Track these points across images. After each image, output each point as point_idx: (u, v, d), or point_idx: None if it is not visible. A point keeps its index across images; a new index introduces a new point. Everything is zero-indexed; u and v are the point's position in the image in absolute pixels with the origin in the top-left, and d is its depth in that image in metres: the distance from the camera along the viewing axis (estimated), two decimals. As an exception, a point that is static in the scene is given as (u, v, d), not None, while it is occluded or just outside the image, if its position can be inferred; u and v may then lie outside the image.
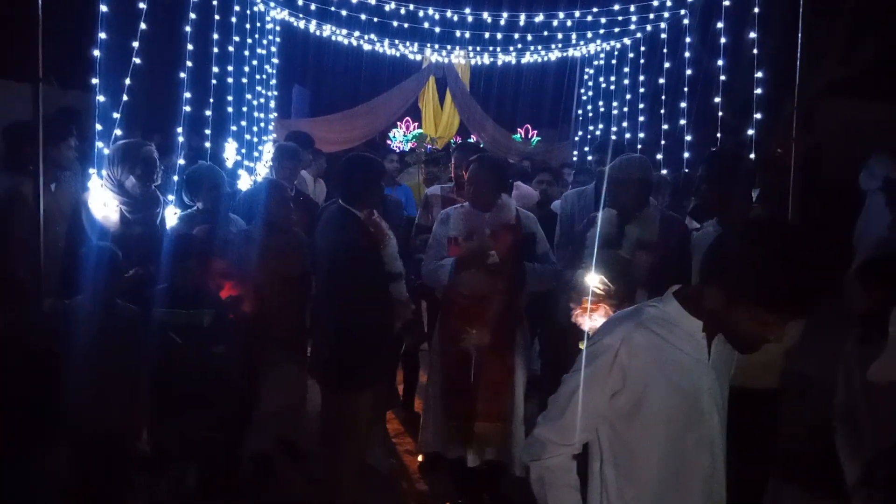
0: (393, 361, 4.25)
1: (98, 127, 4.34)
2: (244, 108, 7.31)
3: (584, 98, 9.33)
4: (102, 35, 4.23)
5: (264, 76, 8.09)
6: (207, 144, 6.31)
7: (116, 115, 4.37)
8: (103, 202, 4.15)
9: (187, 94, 5.56)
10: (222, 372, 3.84)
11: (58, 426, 3.26)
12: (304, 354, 4.57)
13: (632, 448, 1.94)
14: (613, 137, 7.84)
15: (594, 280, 3.60)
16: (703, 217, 4.58)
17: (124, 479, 3.68)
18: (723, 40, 5.62)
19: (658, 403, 1.89)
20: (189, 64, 5.56)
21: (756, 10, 5.06)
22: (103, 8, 4.22)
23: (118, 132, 4.43)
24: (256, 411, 4.41)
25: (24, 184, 4.04)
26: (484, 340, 4.16)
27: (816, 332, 3.19)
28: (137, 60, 4.44)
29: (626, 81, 7.88)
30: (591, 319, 3.63)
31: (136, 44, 4.46)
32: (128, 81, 4.39)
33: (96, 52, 4.26)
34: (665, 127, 6.85)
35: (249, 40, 7.34)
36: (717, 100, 5.67)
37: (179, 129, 5.56)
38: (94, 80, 4.28)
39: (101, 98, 4.34)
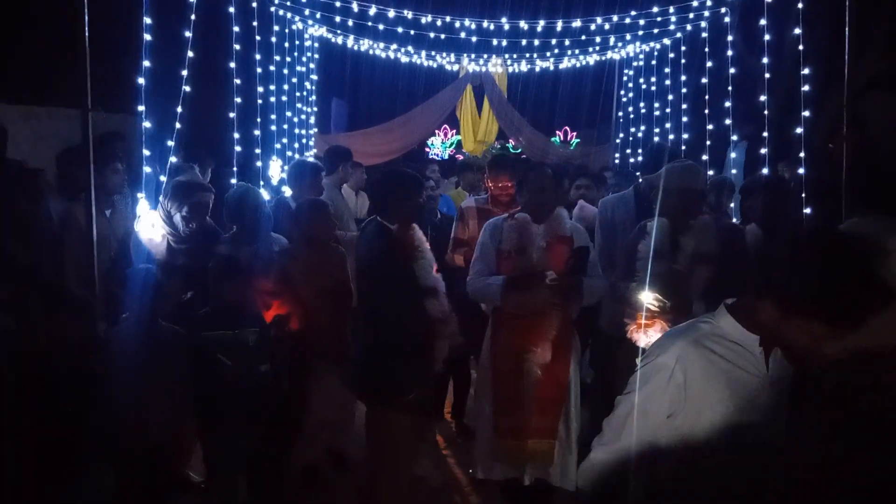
0: (432, 375, 4.23)
1: (146, 153, 4.42)
2: (285, 126, 7.41)
3: (625, 100, 9.22)
4: (147, 63, 4.31)
5: (304, 93, 8.19)
6: (259, 164, 6.41)
7: (171, 143, 4.45)
8: (152, 228, 4.24)
9: (236, 123, 5.62)
10: (269, 387, 3.88)
11: (104, 444, 3.32)
12: (349, 367, 4.59)
13: (691, 468, 1.89)
14: (657, 139, 7.74)
15: (649, 297, 3.52)
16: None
17: (170, 496, 3.75)
18: (766, 37, 5.50)
19: (716, 422, 1.84)
20: (238, 100, 5.62)
21: (800, 5, 4.94)
22: (147, 37, 4.30)
23: (173, 159, 4.51)
24: (305, 423, 4.45)
25: (77, 208, 4.15)
26: (546, 358, 4.11)
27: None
28: (187, 88, 4.51)
29: (668, 82, 7.76)
30: (646, 336, 3.56)
31: (184, 72, 4.54)
32: (179, 109, 4.46)
33: (141, 80, 4.34)
34: (710, 127, 6.73)
35: (289, 58, 7.44)
36: (763, 98, 5.55)
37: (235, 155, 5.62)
38: (140, 108, 4.36)
39: (147, 124, 4.42)
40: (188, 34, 4.69)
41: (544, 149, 13.46)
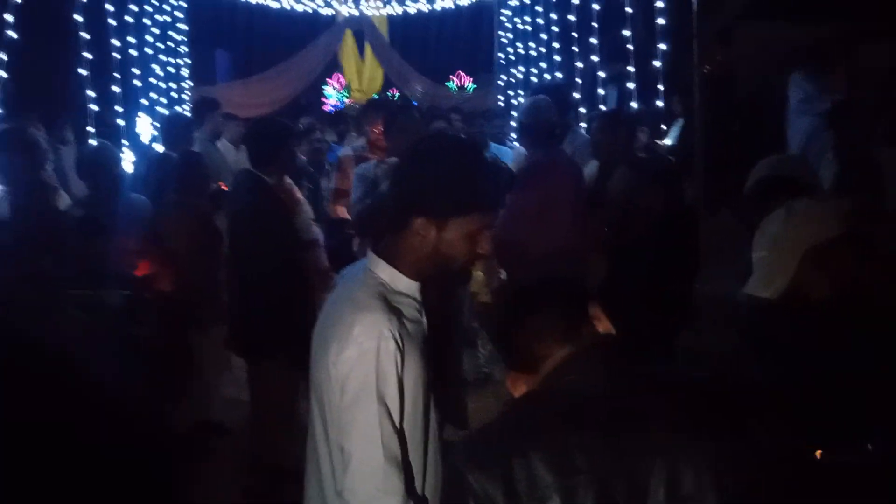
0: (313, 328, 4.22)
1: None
2: (152, 80, 7.08)
3: (504, 41, 9.25)
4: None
5: (170, 43, 7.80)
6: (120, 122, 6.12)
7: None
8: None
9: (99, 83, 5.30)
10: (145, 350, 3.78)
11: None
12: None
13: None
14: (534, 79, 7.82)
15: None
16: None
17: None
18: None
19: (415, 387, 1.73)
20: (88, 56, 5.26)
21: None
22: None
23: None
24: (188, 385, 4.40)
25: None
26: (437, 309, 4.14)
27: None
28: (13, 34, 4.20)
29: (540, 21, 7.81)
30: None
31: (8, 16, 4.22)
32: (3, 56, 4.14)
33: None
34: (580, 64, 6.83)
35: (149, 8, 7.07)
36: (627, 33, 5.67)
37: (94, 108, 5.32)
38: None
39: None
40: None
41: (439, 95, 13.38)
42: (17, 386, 3.41)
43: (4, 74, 4.23)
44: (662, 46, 5.10)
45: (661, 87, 5.09)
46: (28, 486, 3.35)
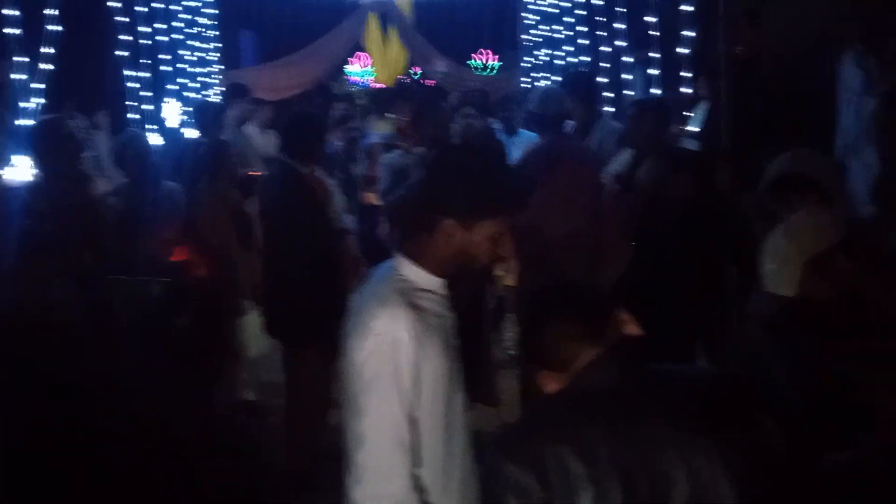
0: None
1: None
2: (186, 66, 7.18)
3: (529, 23, 9.20)
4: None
5: (197, 29, 7.87)
6: (148, 107, 6.22)
7: (36, 86, 4.25)
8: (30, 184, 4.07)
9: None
10: (186, 337, 3.89)
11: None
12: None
13: (419, 431, 1.81)
14: (559, 62, 7.80)
15: None
16: None
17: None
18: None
19: (434, 379, 1.81)
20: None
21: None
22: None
23: (40, 100, 4.30)
24: (228, 368, 4.53)
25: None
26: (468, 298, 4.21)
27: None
28: (57, 28, 4.28)
29: (563, 4, 7.76)
30: None
31: (47, 11, 4.30)
32: (45, 49, 4.23)
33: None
34: (608, 49, 6.78)
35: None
36: (652, 19, 5.64)
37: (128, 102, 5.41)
38: None
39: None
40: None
41: (464, 77, 13.31)
42: (63, 371, 3.55)
43: (44, 67, 4.31)
44: (689, 33, 5.05)
45: (685, 73, 5.04)
46: (71, 458, 3.50)
